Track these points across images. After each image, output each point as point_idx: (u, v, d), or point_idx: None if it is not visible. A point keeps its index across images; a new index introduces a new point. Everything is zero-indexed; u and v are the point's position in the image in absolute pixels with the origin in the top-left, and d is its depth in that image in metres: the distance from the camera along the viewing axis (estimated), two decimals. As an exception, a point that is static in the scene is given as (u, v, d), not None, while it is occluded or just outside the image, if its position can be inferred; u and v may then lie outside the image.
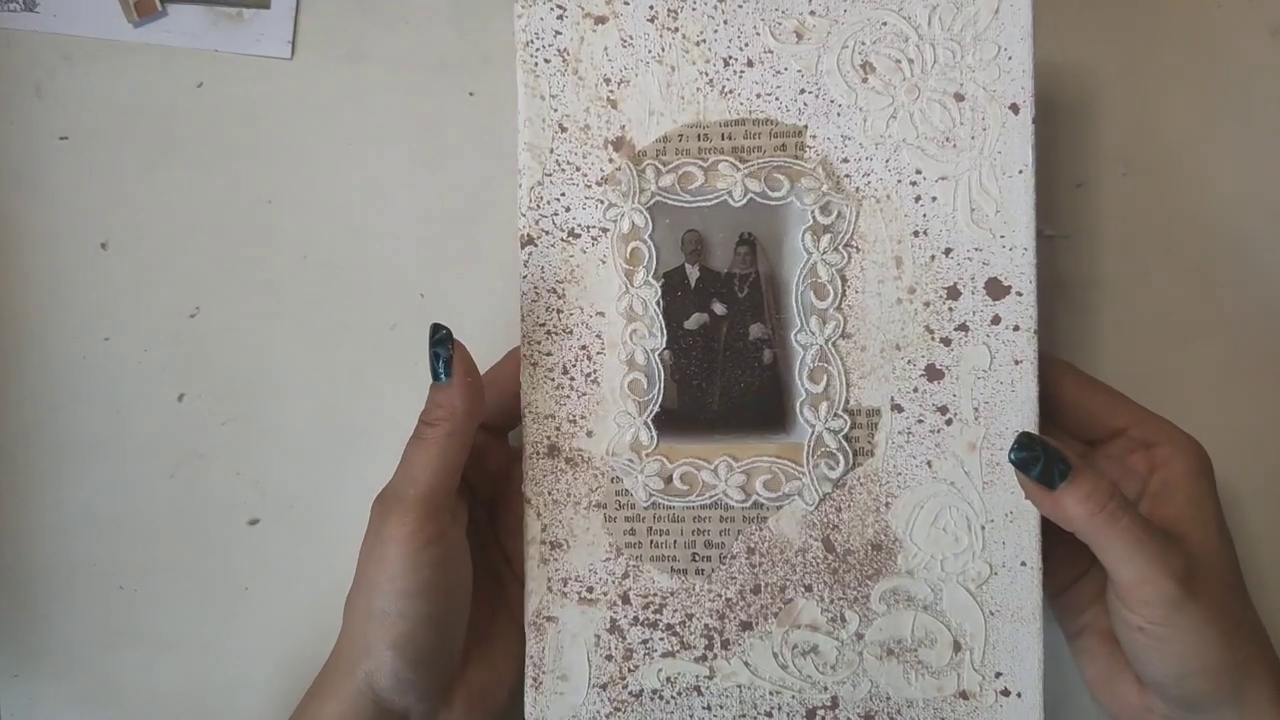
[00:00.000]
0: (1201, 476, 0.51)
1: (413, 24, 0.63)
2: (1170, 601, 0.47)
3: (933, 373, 0.51)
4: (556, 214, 0.52)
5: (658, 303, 0.51)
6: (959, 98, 0.50)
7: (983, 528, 0.51)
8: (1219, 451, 0.52)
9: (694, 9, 0.51)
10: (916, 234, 0.51)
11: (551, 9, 0.52)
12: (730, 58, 0.51)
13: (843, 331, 0.51)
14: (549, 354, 0.52)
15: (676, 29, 0.51)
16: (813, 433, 0.51)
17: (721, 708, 0.52)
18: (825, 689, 0.51)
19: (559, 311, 0.52)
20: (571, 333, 0.52)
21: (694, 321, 0.51)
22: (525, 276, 0.52)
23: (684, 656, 0.52)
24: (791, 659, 0.51)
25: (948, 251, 0.51)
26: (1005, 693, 0.51)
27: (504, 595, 0.55)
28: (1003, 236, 0.50)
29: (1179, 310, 0.61)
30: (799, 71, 0.51)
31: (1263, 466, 0.60)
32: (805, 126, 0.51)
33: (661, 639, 0.52)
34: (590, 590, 0.52)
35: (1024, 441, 0.48)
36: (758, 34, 0.51)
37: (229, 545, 0.62)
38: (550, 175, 0.52)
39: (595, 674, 0.52)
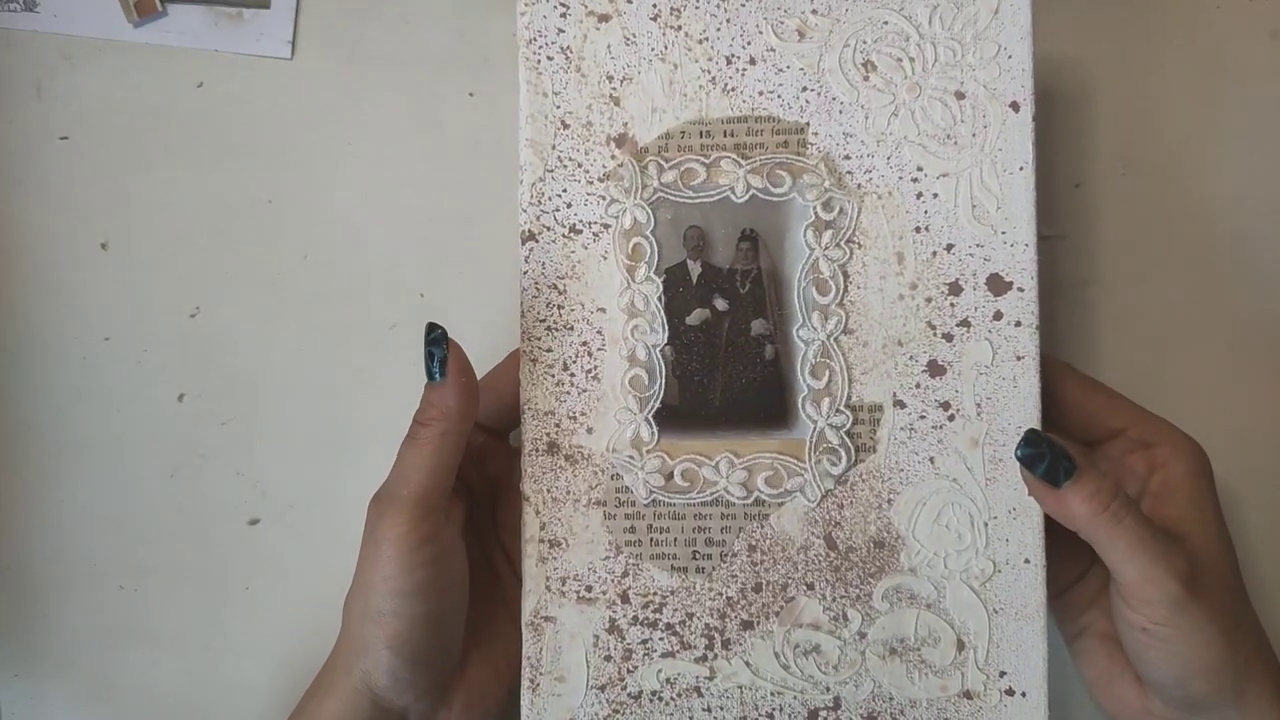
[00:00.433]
0: (1201, 477, 0.51)
1: (413, 24, 0.63)
2: (1173, 602, 0.46)
3: (935, 368, 0.51)
4: (558, 210, 0.52)
5: (659, 298, 0.51)
6: (960, 96, 0.51)
7: (986, 524, 0.50)
8: (1219, 450, 0.52)
9: (697, 7, 0.52)
10: (918, 230, 0.51)
11: (554, 7, 0.52)
12: (733, 56, 0.51)
13: (845, 327, 0.51)
14: (549, 350, 0.52)
15: (679, 27, 0.52)
16: (815, 429, 0.51)
17: (722, 709, 0.52)
18: (827, 689, 0.51)
19: (560, 307, 0.52)
20: (572, 329, 0.52)
21: (696, 317, 0.51)
22: (526, 272, 0.52)
23: (684, 657, 0.52)
24: (793, 659, 0.51)
25: (949, 247, 0.51)
26: (1010, 692, 0.51)
27: (505, 595, 0.55)
28: (1004, 233, 0.50)
29: (1178, 309, 0.61)
30: (801, 69, 0.51)
31: (1263, 465, 0.60)
32: (807, 124, 0.51)
33: (661, 639, 0.52)
34: (589, 589, 0.52)
35: (1031, 438, 0.47)
36: (760, 32, 0.51)
37: (229, 545, 0.62)
38: (552, 171, 0.52)
39: (594, 675, 0.52)
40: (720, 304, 0.51)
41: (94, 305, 0.63)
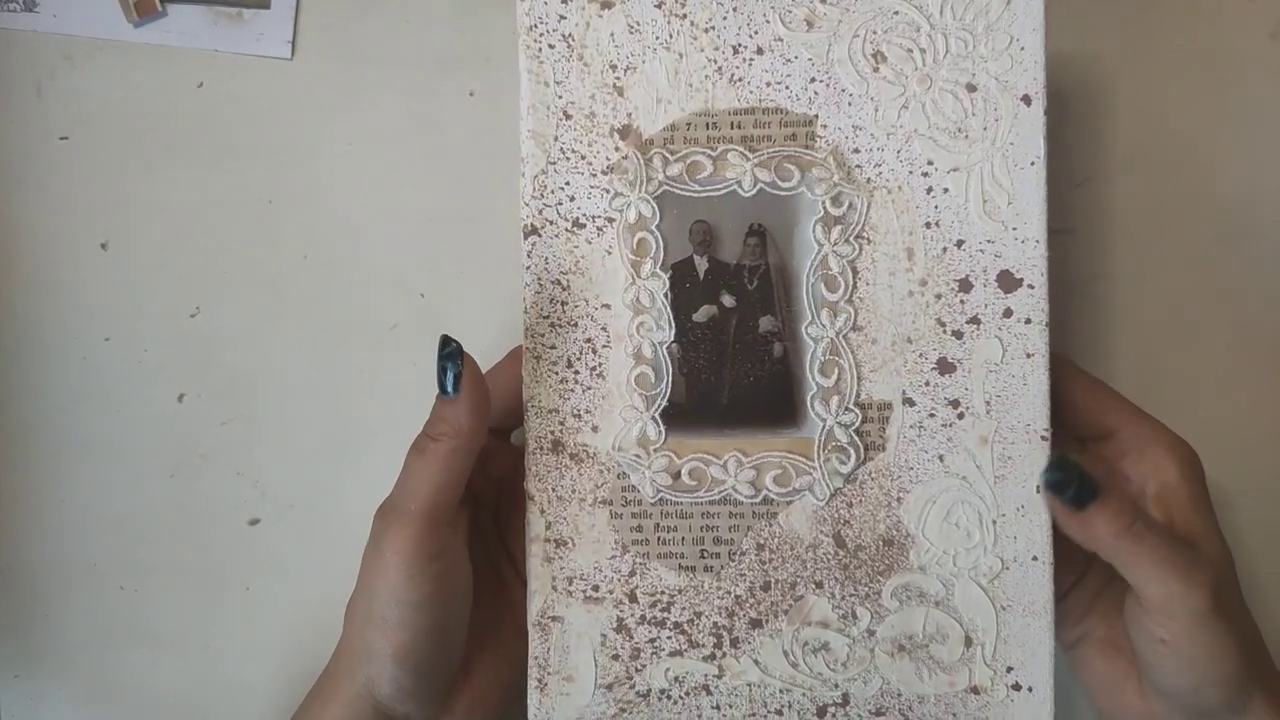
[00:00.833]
0: (1195, 481, 0.51)
1: (413, 24, 0.63)
2: (1196, 615, 0.46)
3: (944, 366, 0.50)
4: (561, 203, 0.51)
5: (665, 295, 0.51)
6: (971, 88, 0.50)
7: (994, 522, 0.50)
8: (1224, 446, 0.52)
9: None
10: (928, 225, 0.50)
11: None
12: (740, 45, 0.51)
13: (854, 324, 0.50)
14: (553, 347, 0.51)
15: (685, 15, 0.51)
16: (824, 427, 0.50)
17: (731, 707, 0.51)
18: (836, 686, 0.51)
19: (563, 304, 0.51)
20: (576, 325, 0.51)
21: (703, 314, 0.51)
22: (528, 268, 0.51)
23: (692, 655, 0.51)
24: (802, 656, 0.51)
25: (959, 243, 0.50)
26: (1016, 687, 0.50)
27: (508, 598, 0.54)
28: (1015, 229, 0.50)
29: (1186, 305, 0.61)
30: (810, 60, 0.51)
31: (1269, 460, 0.60)
32: (816, 116, 0.51)
33: (669, 638, 0.51)
34: (596, 589, 0.51)
35: (1059, 463, 0.47)
36: (767, 21, 0.51)
37: (229, 545, 0.62)
38: (554, 164, 0.51)
39: (601, 674, 0.51)
40: (728, 300, 0.51)
41: (94, 305, 0.62)
